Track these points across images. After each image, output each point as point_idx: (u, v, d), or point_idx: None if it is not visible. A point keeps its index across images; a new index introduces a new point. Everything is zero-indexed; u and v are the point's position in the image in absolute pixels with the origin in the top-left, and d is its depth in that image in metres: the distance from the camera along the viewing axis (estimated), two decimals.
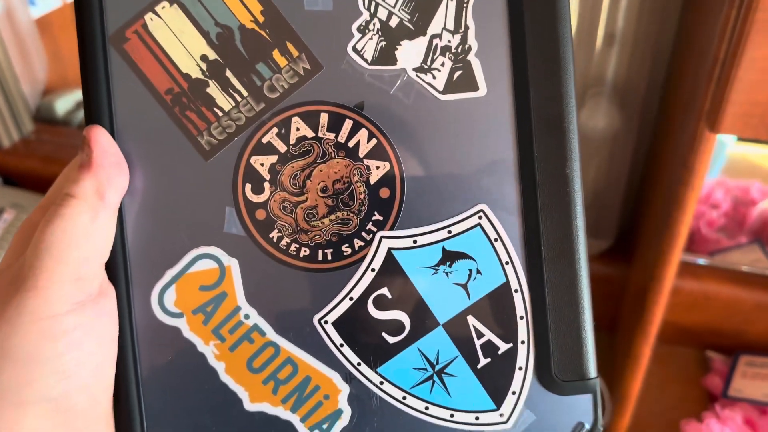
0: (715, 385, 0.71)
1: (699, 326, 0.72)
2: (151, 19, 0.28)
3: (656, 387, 0.66)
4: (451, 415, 0.30)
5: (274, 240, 0.29)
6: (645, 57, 0.65)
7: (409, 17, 0.27)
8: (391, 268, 0.29)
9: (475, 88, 0.28)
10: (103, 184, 0.26)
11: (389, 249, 0.29)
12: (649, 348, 0.56)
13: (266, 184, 0.28)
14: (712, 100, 0.43)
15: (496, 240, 0.29)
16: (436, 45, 0.28)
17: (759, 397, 0.68)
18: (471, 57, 0.28)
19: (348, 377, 0.29)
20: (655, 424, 0.68)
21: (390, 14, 0.28)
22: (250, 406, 0.29)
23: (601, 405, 0.30)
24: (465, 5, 0.27)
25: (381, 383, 0.29)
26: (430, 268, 0.29)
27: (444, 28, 0.27)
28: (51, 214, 0.26)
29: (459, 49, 0.28)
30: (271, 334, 0.29)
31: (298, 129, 0.28)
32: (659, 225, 0.55)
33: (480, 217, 0.28)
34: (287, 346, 0.29)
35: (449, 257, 0.29)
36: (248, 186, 0.28)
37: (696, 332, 0.73)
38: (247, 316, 0.29)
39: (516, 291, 0.29)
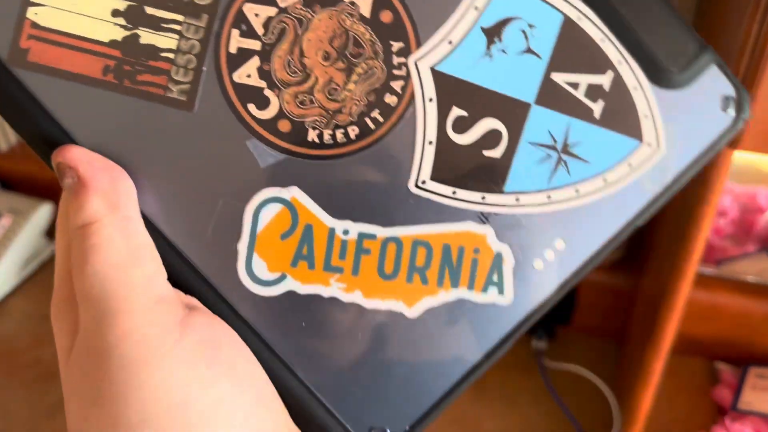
0: (724, 397, 0.68)
1: (707, 337, 0.71)
2: (36, 13, 0.23)
3: (664, 398, 0.64)
4: (605, 180, 0.26)
5: (316, 141, 0.25)
6: None
7: None
8: (446, 86, 0.25)
9: None
10: (110, 195, 0.22)
11: (431, 68, 0.25)
12: (661, 361, 0.54)
13: (267, 92, 0.24)
14: None
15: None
16: None
17: None
18: None
19: (482, 218, 0.26)
20: None
21: None
22: (411, 312, 0.26)
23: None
24: None
25: (517, 200, 0.26)
26: (483, 57, 0.25)
27: None
28: (81, 254, 0.21)
29: None
30: (381, 232, 0.25)
31: (257, 15, 0.23)
32: (674, 239, 0.52)
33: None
34: (404, 231, 0.25)
35: (494, 33, 0.24)
36: (251, 106, 0.24)
37: (704, 343, 0.72)
38: (346, 232, 0.25)
39: (579, 19, 0.25)
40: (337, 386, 0.26)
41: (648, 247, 0.67)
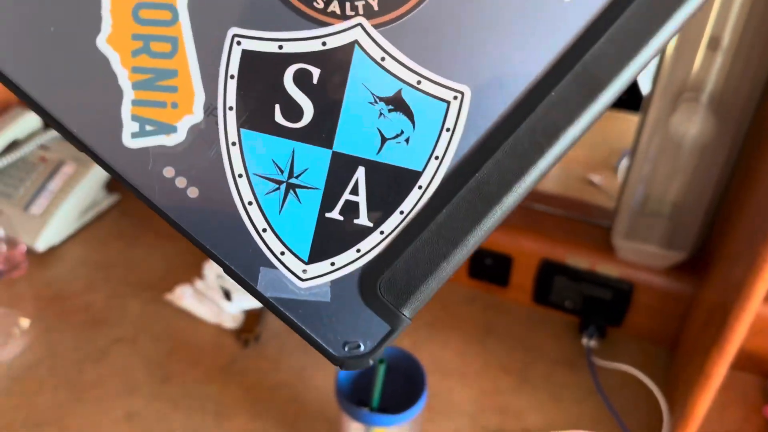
0: None
1: (764, 353, 0.68)
2: None
3: (715, 410, 0.62)
4: (264, 230, 0.26)
5: None
6: (748, 66, 0.59)
7: None
8: (340, 59, 0.24)
9: None
10: None
11: (356, 41, 0.24)
12: (723, 370, 0.52)
13: None
14: None
15: (447, 130, 0.25)
16: None
17: None
18: None
19: (210, 109, 0.25)
20: None
21: None
22: (102, 43, 0.24)
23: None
24: None
25: (233, 143, 0.25)
26: (372, 94, 0.24)
27: None
28: None
29: None
30: (182, 2, 0.24)
31: None
32: (751, 241, 0.49)
33: (455, 98, 0.24)
34: (185, 25, 0.24)
35: (396, 104, 0.24)
36: None
37: (760, 359, 0.69)
38: None
39: (419, 188, 0.25)
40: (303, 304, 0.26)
41: (715, 254, 0.65)
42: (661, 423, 0.62)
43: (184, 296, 0.74)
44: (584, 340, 0.70)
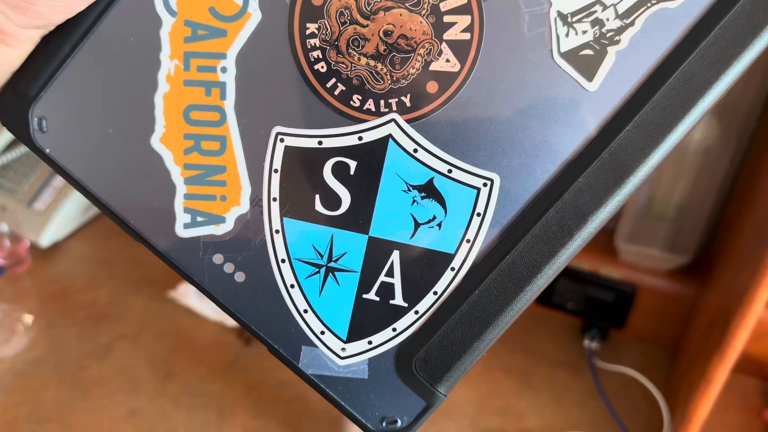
0: None
1: (765, 357, 0.68)
2: None
3: (715, 414, 0.62)
4: (305, 311, 0.28)
5: (307, 32, 0.25)
6: (753, 70, 0.59)
7: None
8: (375, 151, 0.26)
9: (590, 78, 0.24)
10: None
11: (390, 135, 0.26)
12: (724, 374, 0.52)
13: None
14: None
15: (478, 215, 0.26)
16: (595, 11, 0.24)
17: None
18: (611, 50, 0.24)
19: (256, 200, 0.27)
20: None
21: None
22: (156, 143, 0.27)
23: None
24: (648, 5, 0.24)
25: (276, 231, 0.27)
26: (405, 182, 0.26)
27: (614, 4, 0.24)
28: None
29: (609, 34, 0.24)
30: (229, 105, 0.26)
31: None
32: (755, 246, 0.50)
33: (485, 185, 0.26)
34: (233, 125, 0.26)
35: (428, 191, 0.26)
36: None
37: (761, 362, 0.69)
38: (224, 69, 0.26)
39: (452, 269, 0.26)
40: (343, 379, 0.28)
41: (718, 257, 0.65)
42: (662, 426, 0.63)
43: (187, 294, 0.75)
44: (586, 342, 0.71)
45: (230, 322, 0.72)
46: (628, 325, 0.72)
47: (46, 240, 0.80)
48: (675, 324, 0.70)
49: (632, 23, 0.24)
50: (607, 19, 0.24)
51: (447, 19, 0.24)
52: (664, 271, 0.70)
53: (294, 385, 0.66)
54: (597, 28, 0.24)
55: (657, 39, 0.24)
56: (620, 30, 0.24)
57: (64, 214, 0.82)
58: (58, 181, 0.83)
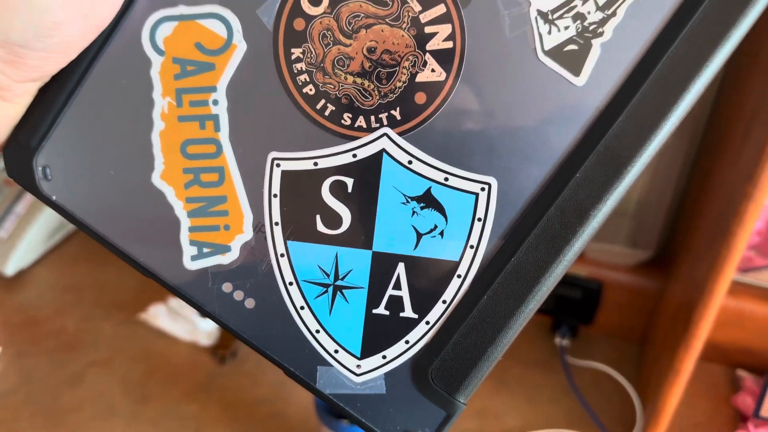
0: (746, 404, 0.67)
1: (730, 344, 0.70)
2: None
3: (685, 403, 0.64)
4: (317, 331, 0.28)
5: (292, 57, 0.26)
6: None
7: None
8: (371, 167, 0.26)
9: (577, 73, 0.24)
10: None
11: (383, 150, 0.26)
12: (691, 364, 0.54)
13: (326, 1, 0.25)
14: None
15: (479, 220, 0.26)
16: (575, 5, 0.24)
17: None
18: (596, 43, 0.24)
19: (258, 226, 0.27)
20: None
21: None
22: (157, 180, 0.27)
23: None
24: None
25: (281, 255, 0.27)
26: (403, 195, 0.26)
27: None
28: None
29: (592, 27, 0.24)
30: (224, 135, 0.27)
31: None
32: (711, 239, 0.51)
33: (483, 189, 0.26)
34: (229, 155, 0.27)
35: (427, 201, 0.26)
36: None
37: (727, 350, 0.71)
38: (215, 102, 0.26)
39: (458, 277, 0.26)
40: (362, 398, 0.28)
41: (679, 250, 0.67)
42: (634, 417, 0.64)
43: (158, 315, 0.74)
44: (557, 340, 0.72)
45: (203, 341, 0.72)
46: (596, 320, 0.73)
47: (10, 269, 0.79)
48: (642, 317, 0.72)
49: (614, 13, 0.24)
50: (589, 12, 0.24)
51: (428, 29, 0.24)
52: (628, 266, 0.71)
53: (271, 401, 0.66)
54: (579, 22, 0.24)
55: (641, 27, 0.24)
56: (602, 22, 0.24)
57: (28, 241, 0.80)
58: (20, 207, 0.81)
